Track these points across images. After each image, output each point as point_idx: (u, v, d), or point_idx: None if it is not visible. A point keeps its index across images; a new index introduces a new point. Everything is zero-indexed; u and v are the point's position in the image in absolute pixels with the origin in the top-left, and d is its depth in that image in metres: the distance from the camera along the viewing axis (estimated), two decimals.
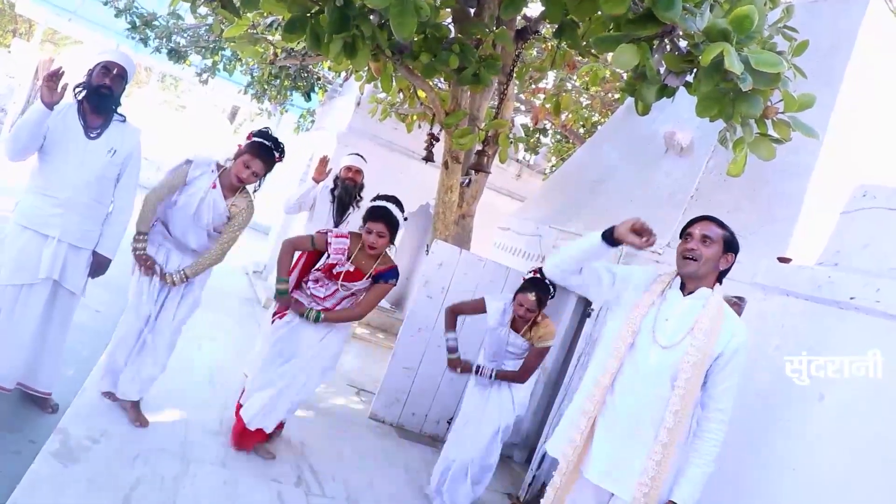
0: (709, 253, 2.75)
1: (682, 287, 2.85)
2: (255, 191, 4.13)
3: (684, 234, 2.85)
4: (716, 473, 2.69)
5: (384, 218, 3.96)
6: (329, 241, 4.02)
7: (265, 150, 3.93)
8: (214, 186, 3.95)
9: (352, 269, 4.02)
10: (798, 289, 3.26)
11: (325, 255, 4.08)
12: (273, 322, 4.17)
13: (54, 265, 3.67)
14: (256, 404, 4.02)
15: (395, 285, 4.15)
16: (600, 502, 2.83)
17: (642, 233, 2.70)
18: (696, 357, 2.64)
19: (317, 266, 4.16)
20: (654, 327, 2.79)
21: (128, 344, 4.01)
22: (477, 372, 4.25)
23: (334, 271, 4.03)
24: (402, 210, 4.11)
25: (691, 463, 2.68)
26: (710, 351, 2.66)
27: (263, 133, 4.01)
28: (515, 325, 4.21)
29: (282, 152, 4.03)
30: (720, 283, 2.84)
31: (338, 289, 4.06)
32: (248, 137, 4.00)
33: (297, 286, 4.22)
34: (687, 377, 2.64)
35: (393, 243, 4.07)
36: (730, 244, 2.79)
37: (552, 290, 4.16)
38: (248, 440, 4.10)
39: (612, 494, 2.77)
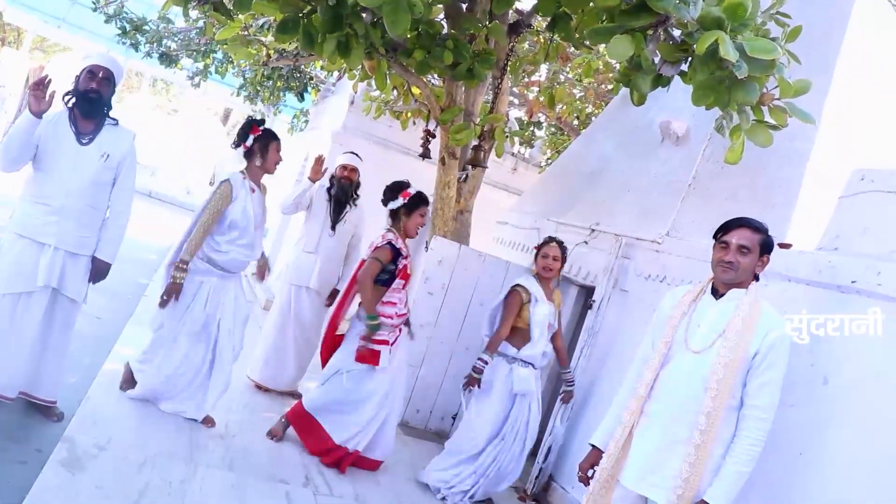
0: (746, 262, 2.78)
1: (715, 291, 2.87)
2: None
3: (720, 238, 2.85)
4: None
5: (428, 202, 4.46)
6: (397, 247, 4.32)
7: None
8: (253, 191, 4.36)
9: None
10: (799, 274, 3.28)
11: (394, 262, 4.31)
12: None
13: (52, 273, 3.65)
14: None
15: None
16: None
17: None
18: (728, 358, 2.65)
19: (391, 277, 4.34)
20: (687, 335, 2.83)
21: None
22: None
23: (408, 270, 4.41)
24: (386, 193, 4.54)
25: (726, 462, 2.67)
26: (743, 351, 2.66)
27: (261, 121, 4.48)
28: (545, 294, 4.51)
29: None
30: (756, 279, 2.85)
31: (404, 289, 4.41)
32: (255, 131, 4.36)
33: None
34: (719, 378, 2.65)
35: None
36: (765, 246, 2.81)
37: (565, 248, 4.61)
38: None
39: (647, 500, 2.79)
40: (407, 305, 4.46)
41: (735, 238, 2.79)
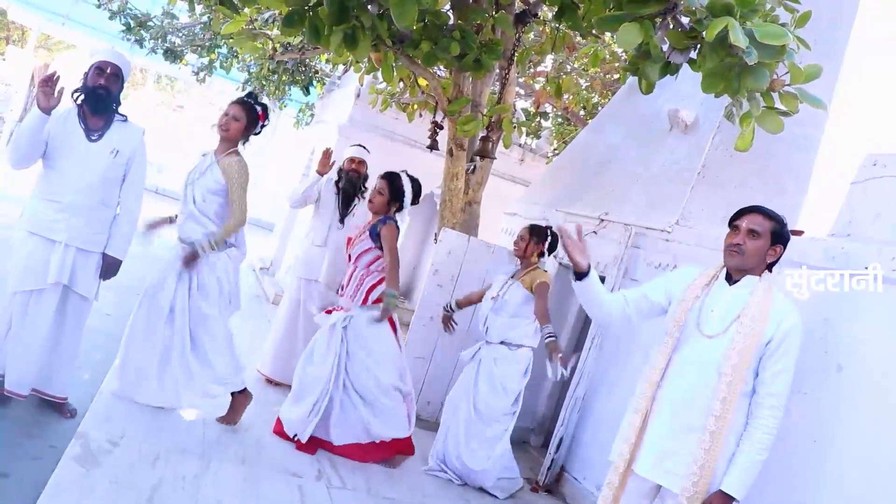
0: (754, 247, 2.75)
1: (729, 277, 2.85)
2: (244, 142, 4.28)
3: (732, 224, 2.84)
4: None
5: (387, 177, 4.43)
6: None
7: (241, 100, 4.21)
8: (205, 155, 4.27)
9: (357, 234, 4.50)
10: (812, 260, 3.25)
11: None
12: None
13: (63, 270, 3.66)
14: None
15: (395, 226, 4.41)
16: (648, 496, 2.84)
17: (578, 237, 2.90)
18: (743, 344, 2.63)
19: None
20: (699, 319, 2.81)
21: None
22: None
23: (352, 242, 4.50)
24: (418, 190, 4.52)
25: (741, 451, 2.65)
26: (757, 338, 2.64)
27: (260, 104, 4.29)
28: (517, 275, 4.61)
29: (264, 107, 4.26)
30: (770, 270, 2.83)
31: (353, 266, 4.46)
32: (263, 118, 4.28)
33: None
34: (733, 364, 2.63)
35: (393, 205, 4.44)
36: (778, 236, 2.78)
37: (548, 233, 4.60)
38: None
39: (661, 487, 2.78)
40: (356, 287, 4.43)
41: (745, 222, 2.77)
